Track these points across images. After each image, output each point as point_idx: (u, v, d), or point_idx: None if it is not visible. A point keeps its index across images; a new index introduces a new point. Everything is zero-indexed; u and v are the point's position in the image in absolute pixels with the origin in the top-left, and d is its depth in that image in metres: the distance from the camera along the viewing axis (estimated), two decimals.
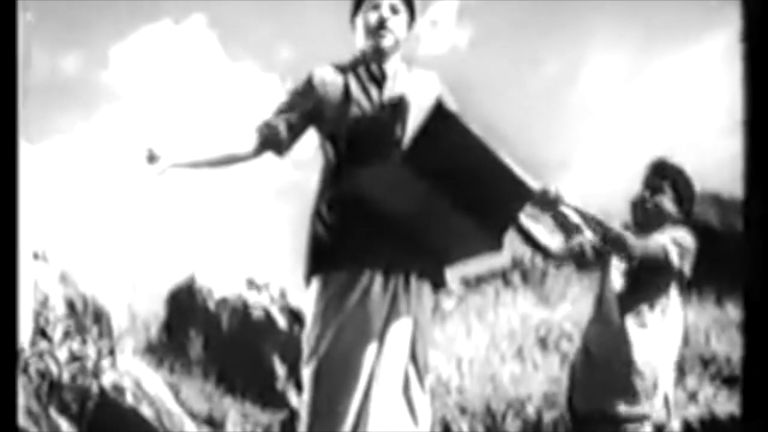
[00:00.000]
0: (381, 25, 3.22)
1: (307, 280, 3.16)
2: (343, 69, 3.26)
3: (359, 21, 3.28)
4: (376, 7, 3.24)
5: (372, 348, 3.01)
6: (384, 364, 3.02)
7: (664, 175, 3.88)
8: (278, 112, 3.20)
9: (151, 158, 2.86)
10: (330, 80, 3.21)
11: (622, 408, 3.69)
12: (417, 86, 3.24)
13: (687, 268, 3.78)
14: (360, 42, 3.28)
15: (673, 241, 3.70)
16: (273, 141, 3.17)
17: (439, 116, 2.82)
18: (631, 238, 3.62)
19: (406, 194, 2.89)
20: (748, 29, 2.60)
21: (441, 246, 3.12)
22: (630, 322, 3.74)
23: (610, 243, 3.68)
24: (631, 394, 3.70)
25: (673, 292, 3.82)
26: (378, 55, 3.24)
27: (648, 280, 3.75)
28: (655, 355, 3.74)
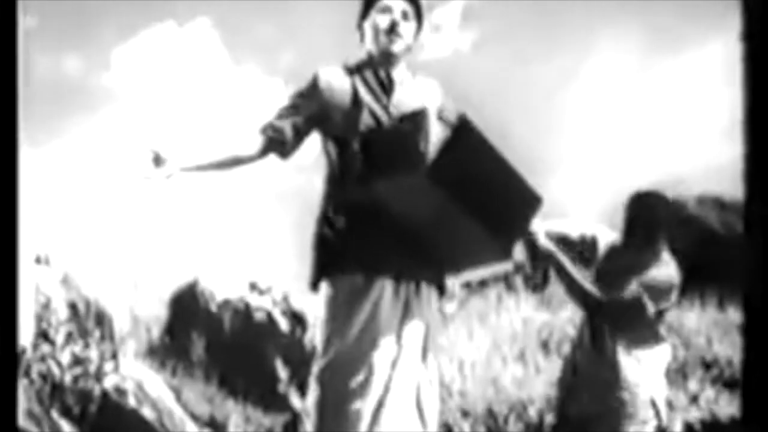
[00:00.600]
0: (392, 29, 3.22)
1: (315, 283, 3.15)
2: (349, 71, 3.25)
3: (368, 24, 3.27)
4: (388, 10, 3.24)
5: (388, 353, 3.01)
6: (399, 369, 3.03)
7: (652, 224, 3.82)
8: (283, 114, 3.18)
9: (158, 161, 2.86)
10: (336, 83, 3.20)
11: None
12: (421, 94, 3.25)
13: (667, 305, 3.78)
14: (368, 46, 3.28)
15: (647, 288, 3.68)
16: (278, 143, 3.16)
17: (464, 131, 2.86)
18: (599, 296, 3.63)
19: (427, 206, 2.91)
20: (748, 29, 2.60)
21: (453, 254, 3.13)
22: (620, 351, 3.75)
23: (583, 307, 3.71)
24: (618, 419, 3.72)
25: (658, 327, 3.83)
26: (387, 59, 3.24)
27: (629, 322, 3.75)
28: (642, 383, 3.75)
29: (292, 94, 3.24)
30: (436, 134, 2.87)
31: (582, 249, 3.85)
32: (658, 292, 3.71)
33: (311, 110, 3.18)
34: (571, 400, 3.92)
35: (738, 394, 7.35)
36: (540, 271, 3.70)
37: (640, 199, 3.85)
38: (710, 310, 9.87)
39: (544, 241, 3.60)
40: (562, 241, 3.79)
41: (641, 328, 3.77)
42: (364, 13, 3.31)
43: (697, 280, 10.63)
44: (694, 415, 7.35)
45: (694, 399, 7.66)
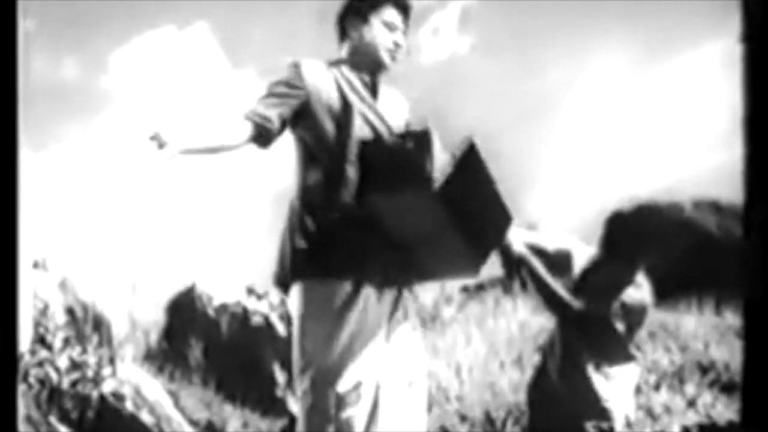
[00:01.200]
0: (396, 48, 3.24)
1: (286, 283, 3.11)
2: (329, 66, 3.21)
3: (364, 31, 3.24)
4: (394, 28, 3.23)
5: (378, 358, 3.01)
6: (389, 372, 3.03)
7: (632, 244, 3.83)
8: (270, 103, 3.08)
9: (159, 143, 2.80)
10: (320, 77, 3.14)
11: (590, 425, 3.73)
12: (396, 105, 3.27)
13: (638, 326, 3.80)
14: (356, 47, 3.25)
15: (621, 306, 3.70)
16: (266, 134, 3.04)
17: (470, 157, 2.92)
18: (573, 304, 3.65)
19: (423, 224, 2.94)
20: (747, 31, 2.60)
21: (431, 264, 3.14)
22: (591, 364, 3.76)
23: (556, 314, 3.73)
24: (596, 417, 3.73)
25: (628, 345, 3.84)
26: (376, 68, 3.23)
27: (598, 335, 3.76)
28: (613, 398, 3.77)
29: (275, 83, 3.13)
30: (440, 157, 2.89)
31: (555, 262, 3.86)
32: (631, 312, 3.73)
33: (297, 102, 3.08)
34: (542, 410, 3.94)
35: (735, 398, 7.36)
36: (516, 276, 3.76)
37: (620, 218, 3.87)
38: (708, 314, 9.88)
39: (517, 248, 3.61)
40: (537, 252, 3.80)
41: (611, 344, 3.79)
42: (355, 12, 3.27)
43: (694, 284, 10.68)
44: (692, 419, 7.36)
45: (691, 403, 7.67)
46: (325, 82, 3.12)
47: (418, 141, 2.95)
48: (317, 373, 2.98)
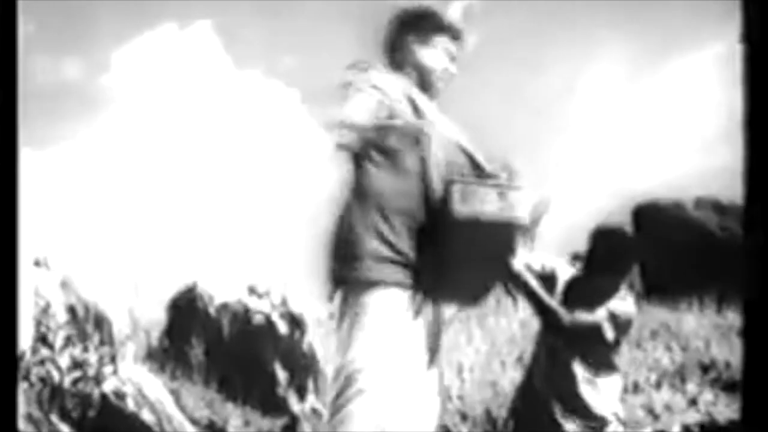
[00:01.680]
0: (449, 76, 3.25)
1: (346, 282, 3.05)
2: (397, 79, 3.16)
3: (425, 53, 3.24)
4: (450, 56, 3.25)
5: (420, 366, 3.02)
6: (423, 381, 3.05)
7: (614, 260, 3.86)
8: (376, 110, 3.00)
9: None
10: (392, 87, 3.07)
11: (573, 425, 3.76)
12: None
13: (624, 333, 3.84)
14: (408, 63, 3.23)
15: (610, 316, 3.73)
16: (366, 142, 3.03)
17: (541, 219, 3.15)
18: (564, 316, 3.67)
19: (482, 254, 3.02)
20: (747, 32, 2.60)
21: (449, 291, 3.15)
22: (577, 372, 3.79)
23: (543, 319, 3.76)
24: (582, 416, 3.76)
25: (613, 356, 3.88)
26: (427, 90, 3.23)
27: (588, 344, 3.79)
28: (600, 402, 3.80)
29: (364, 86, 3.04)
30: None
31: (542, 278, 3.88)
32: (618, 323, 3.77)
33: (386, 110, 3.00)
34: (527, 416, 3.99)
35: (736, 397, 7.37)
36: (512, 290, 3.79)
37: (602, 235, 3.89)
38: (708, 313, 9.89)
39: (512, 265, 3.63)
40: (527, 268, 3.83)
41: (598, 354, 3.82)
42: (418, 32, 3.25)
43: (695, 283, 10.68)
44: (693, 417, 7.37)
45: (692, 402, 7.68)
46: (397, 93, 3.07)
47: (511, 176, 3.01)
48: (359, 374, 2.94)
